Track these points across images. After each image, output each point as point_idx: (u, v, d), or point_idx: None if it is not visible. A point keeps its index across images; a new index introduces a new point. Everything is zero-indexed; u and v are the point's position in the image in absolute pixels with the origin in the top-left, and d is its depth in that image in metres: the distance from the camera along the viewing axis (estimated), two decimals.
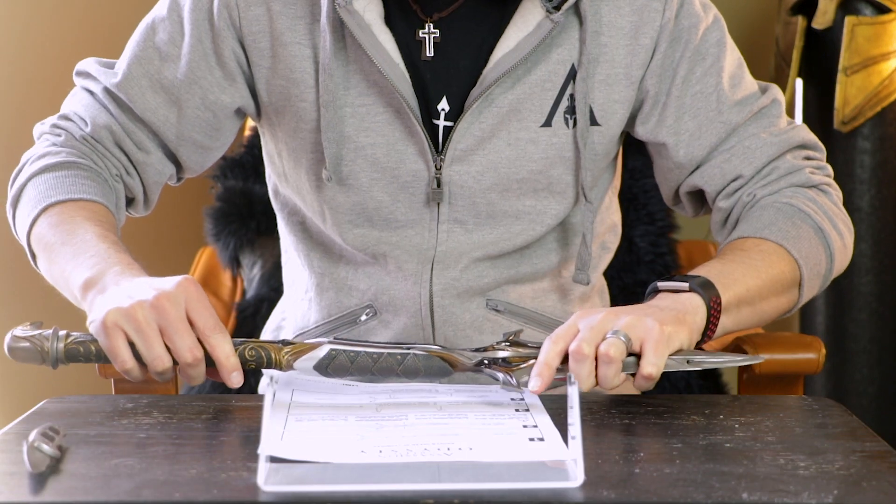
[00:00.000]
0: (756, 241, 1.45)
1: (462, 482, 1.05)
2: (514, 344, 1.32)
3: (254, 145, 2.10)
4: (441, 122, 1.48)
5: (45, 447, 1.10)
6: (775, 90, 1.56)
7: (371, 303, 1.55)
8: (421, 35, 1.48)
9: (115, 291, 1.29)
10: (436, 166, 1.48)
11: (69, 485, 1.07)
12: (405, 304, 1.52)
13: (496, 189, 1.50)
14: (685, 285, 1.35)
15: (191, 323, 1.26)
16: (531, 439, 1.16)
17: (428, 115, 1.48)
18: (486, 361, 1.31)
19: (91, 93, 1.56)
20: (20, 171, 1.52)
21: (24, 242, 1.48)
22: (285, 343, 1.31)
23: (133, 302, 1.26)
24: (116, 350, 1.26)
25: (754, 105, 1.53)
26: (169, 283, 1.27)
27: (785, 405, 1.36)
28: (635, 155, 2.05)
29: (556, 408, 1.28)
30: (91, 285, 1.33)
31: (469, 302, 1.52)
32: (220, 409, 1.32)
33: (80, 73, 1.58)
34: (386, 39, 1.46)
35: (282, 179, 1.59)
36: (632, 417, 1.30)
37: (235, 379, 1.27)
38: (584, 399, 1.30)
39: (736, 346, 1.68)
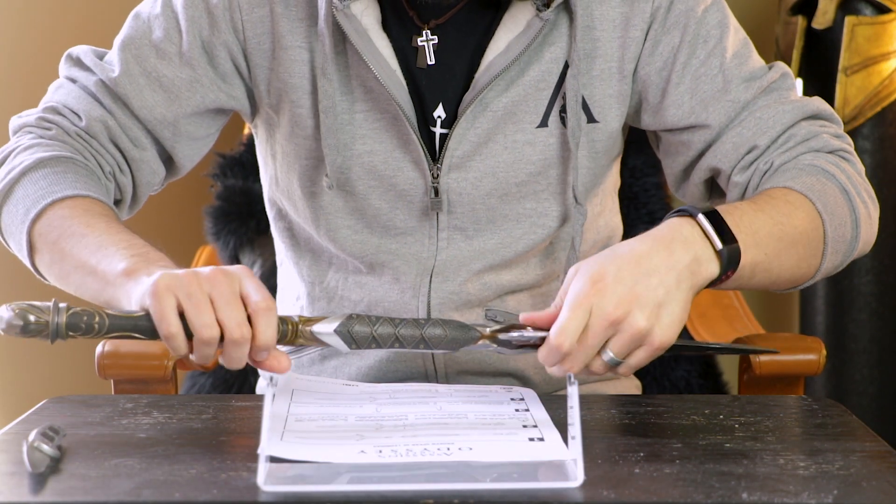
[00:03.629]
0: (784, 190, 1.36)
1: (462, 482, 1.05)
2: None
3: (253, 144, 2.10)
4: (438, 130, 1.46)
5: (45, 447, 1.10)
6: (782, 65, 1.49)
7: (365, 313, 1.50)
8: (419, 42, 1.45)
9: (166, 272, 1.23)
10: (433, 175, 1.46)
11: (69, 485, 1.07)
12: (401, 315, 1.49)
13: (495, 194, 1.47)
14: (718, 244, 1.25)
15: (243, 300, 1.19)
16: (531, 439, 1.15)
17: (425, 122, 1.46)
18: (504, 338, 1.25)
19: (82, 86, 1.50)
20: (3, 162, 1.43)
21: (17, 239, 1.39)
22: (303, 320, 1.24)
23: (187, 271, 1.20)
24: (164, 312, 1.17)
25: (763, 80, 1.47)
26: (222, 267, 1.22)
27: (785, 405, 1.36)
28: (636, 154, 2.04)
29: (556, 407, 1.28)
30: (135, 271, 1.25)
31: (468, 313, 1.50)
32: (220, 409, 1.32)
33: (71, 60, 1.52)
34: (383, 45, 1.44)
35: (273, 183, 1.58)
36: (632, 417, 1.30)
37: (262, 357, 1.20)
38: (584, 399, 1.30)
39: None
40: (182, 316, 1.18)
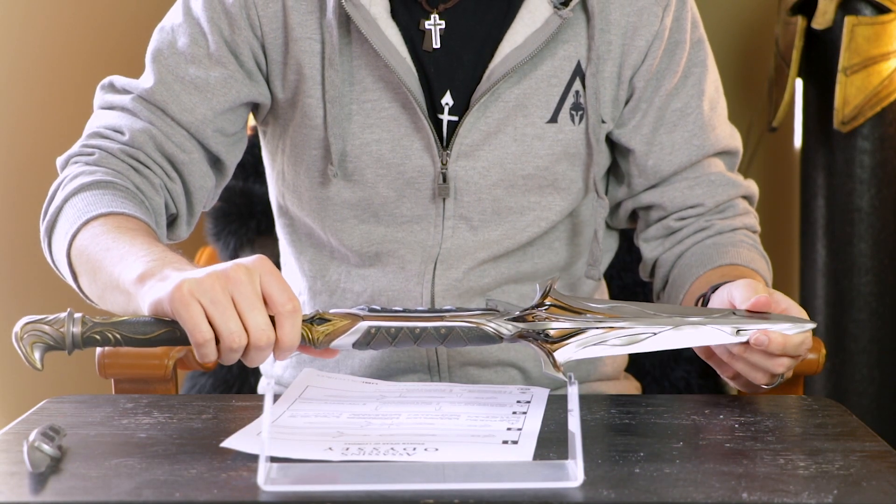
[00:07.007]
0: (752, 271, 1.51)
1: (462, 482, 1.05)
2: (557, 307, 1.27)
3: (254, 145, 2.10)
4: (445, 117, 1.49)
5: (45, 447, 1.10)
6: (738, 138, 1.62)
7: (367, 306, 1.52)
8: (427, 26, 1.48)
9: (180, 274, 1.20)
10: (442, 162, 1.48)
11: (69, 485, 1.07)
12: (405, 305, 1.52)
13: (502, 185, 1.50)
14: None
15: (265, 299, 1.18)
16: (504, 442, 1.16)
17: (432, 109, 1.49)
18: (525, 333, 1.26)
19: (121, 107, 1.50)
20: (52, 198, 1.43)
21: (63, 265, 1.38)
22: (321, 320, 1.24)
23: (207, 272, 1.17)
24: (196, 321, 1.15)
25: (724, 143, 1.58)
26: (242, 259, 1.20)
27: (785, 405, 1.36)
28: None
29: (556, 407, 1.28)
30: (148, 276, 1.23)
31: (469, 301, 1.52)
32: (220, 409, 1.32)
33: (104, 88, 1.53)
34: (392, 34, 1.47)
35: (279, 178, 1.59)
36: (632, 417, 1.30)
37: (284, 357, 1.20)
38: (584, 399, 1.30)
39: None
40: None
